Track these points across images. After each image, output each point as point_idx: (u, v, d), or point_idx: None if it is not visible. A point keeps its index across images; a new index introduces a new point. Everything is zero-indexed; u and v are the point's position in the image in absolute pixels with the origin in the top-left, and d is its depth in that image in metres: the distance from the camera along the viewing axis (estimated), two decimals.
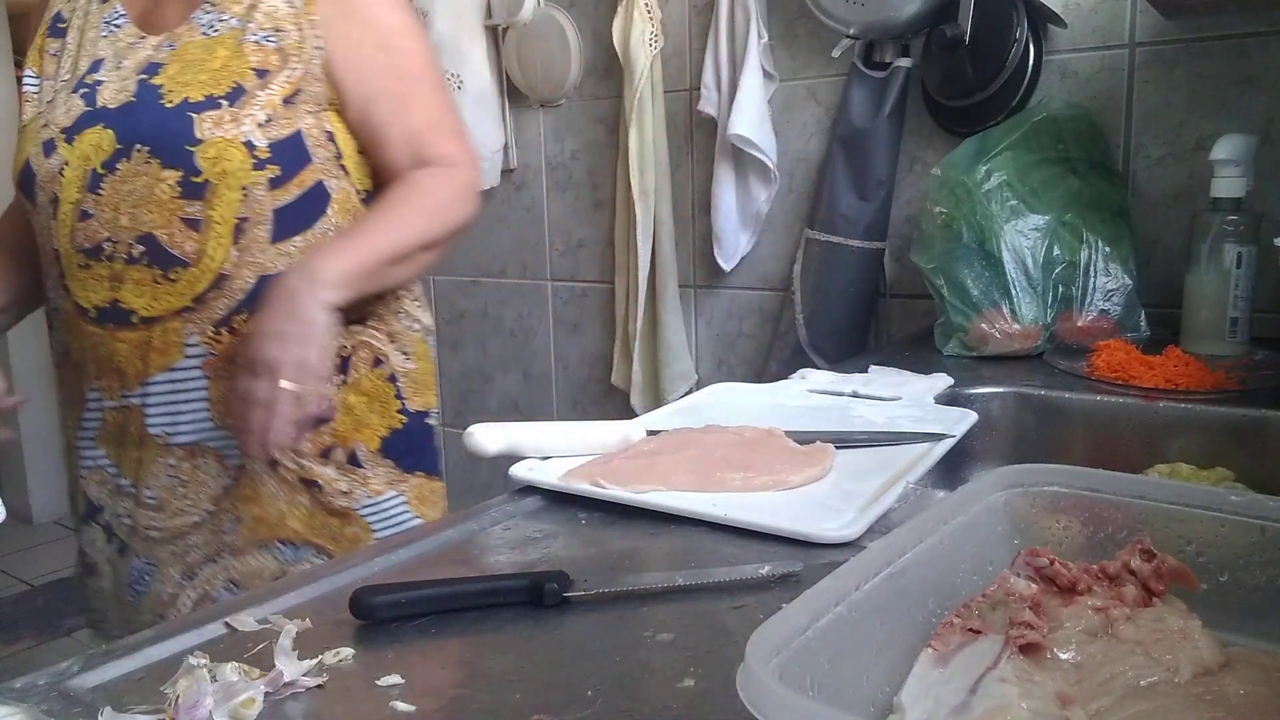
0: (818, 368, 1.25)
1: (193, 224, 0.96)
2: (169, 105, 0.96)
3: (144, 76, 0.98)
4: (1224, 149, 1.20)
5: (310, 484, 1.03)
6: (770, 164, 1.71)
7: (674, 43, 1.86)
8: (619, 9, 1.83)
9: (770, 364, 1.76)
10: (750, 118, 1.67)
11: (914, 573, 0.50)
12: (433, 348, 1.17)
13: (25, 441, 4.01)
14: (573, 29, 1.97)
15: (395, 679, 0.53)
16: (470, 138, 1.14)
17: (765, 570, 0.63)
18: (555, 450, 0.87)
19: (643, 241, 1.86)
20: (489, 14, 2.04)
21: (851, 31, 1.56)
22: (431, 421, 1.14)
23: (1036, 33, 1.46)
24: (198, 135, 0.95)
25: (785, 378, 1.16)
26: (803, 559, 0.65)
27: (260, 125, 0.97)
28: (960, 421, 0.94)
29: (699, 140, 1.87)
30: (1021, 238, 1.27)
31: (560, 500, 0.80)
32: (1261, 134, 1.29)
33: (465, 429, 0.88)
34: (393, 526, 1.08)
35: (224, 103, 0.96)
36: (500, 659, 0.56)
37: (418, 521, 1.09)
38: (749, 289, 1.87)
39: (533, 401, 2.24)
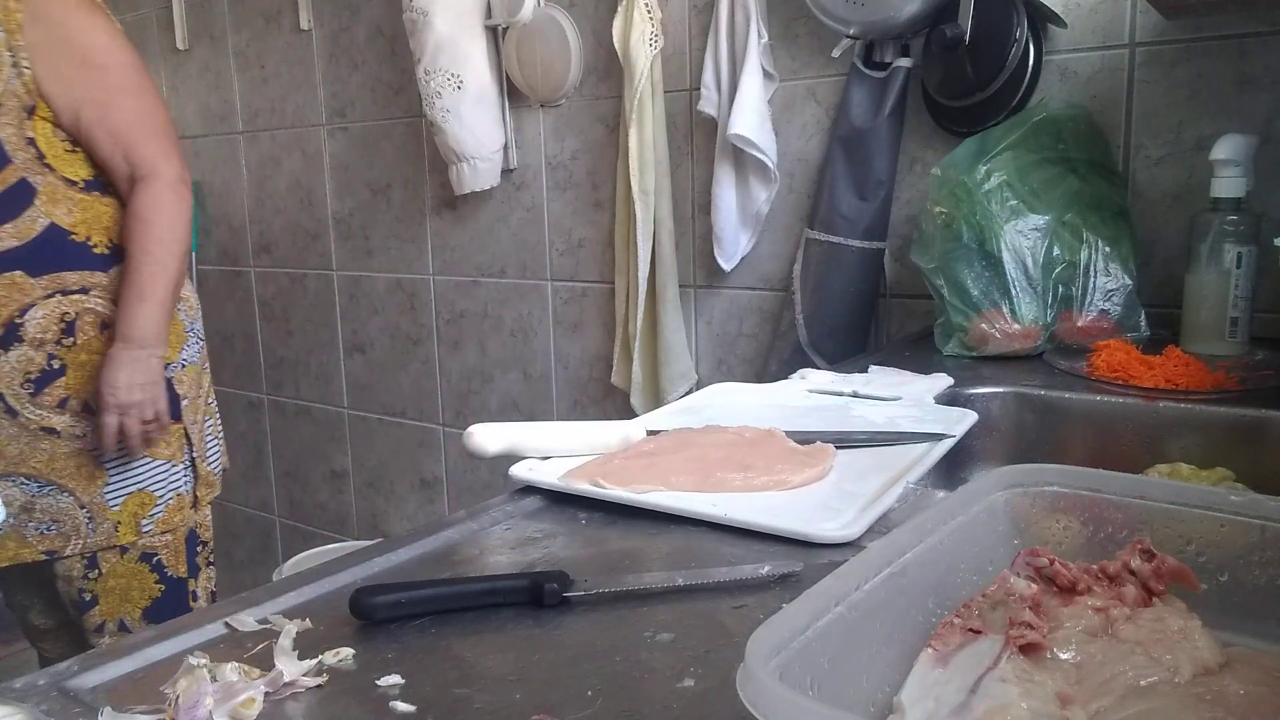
0: (818, 368, 1.25)
1: None
2: None
3: None
4: (1224, 149, 1.20)
5: (50, 431, 1.27)
6: (770, 164, 1.71)
7: (674, 43, 1.86)
8: (619, 9, 1.83)
9: (770, 364, 1.76)
10: (750, 118, 1.67)
11: (914, 573, 0.50)
12: (183, 311, 1.38)
13: None
14: (573, 29, 1.97)
15: (395, 679, 0.53)
16: (173, 135, 1.39)
17: (765, 570, 0.63)
18: (555, 450, 0.87)
19: (643, 241, 1.86)
20: (489, 14, 2.04)
21: (851, 31, 1.56)
22: (170, 373, 1.37)
23: (1036, 33, 1.46)
24: None
25: (785, 378, 1.16)
26: (803, 559, 0.65)
27: None
28: (960, 421, 0.94)
29: (699, 140, 1.87)
30: (1021, 238, 1.27)
31: (560, 500, 0.80)
32: (1261, 134, 1.29)
33: (465, 429, 0.88)
34: (125, 464, 1.29)
35: None
36: (500, 659, 0.56)
37: (149, 461, 1.34)
38: (749, 289, 1.87)
39: (533, 401, 2.24)
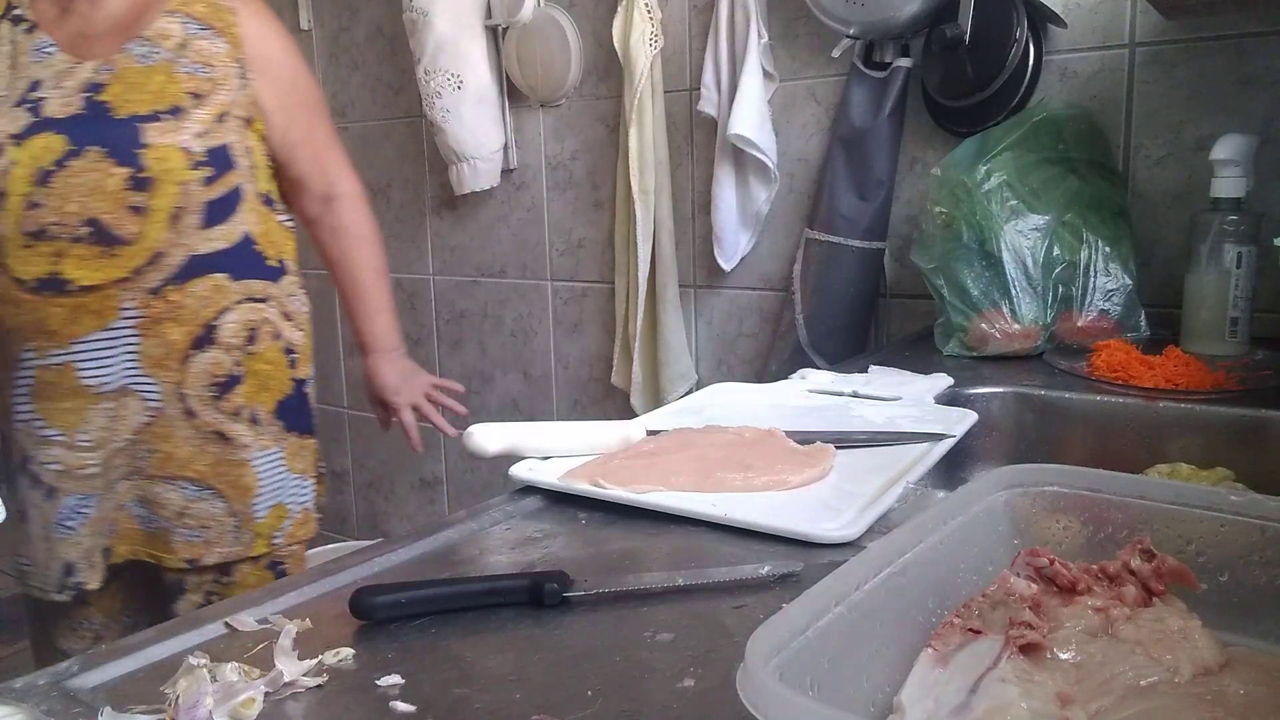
0: (818, 368, 1.25)
1: (137, 211, 1.19)
2: (118, 116, 1.19)
3: (89, 94, 1.20)
4: (1224, 149, 1.20)
5: (221, 436, 1.27)
6: (770, 164, 1.71)
7: (674, 43, 1.86)
8: (619, 9, 1.83)
9: (770, 364, 1.76)
10: (750, 118, 1.67)
11: (914, 573, 0.50)
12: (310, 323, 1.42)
13: None
14: (573, 29, 1.97)
15: (395, 679, 0.53)
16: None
17: (765, 570, 0.63)
18: (555, 450, 0.87)
19: (643, 241, 1.86)
20: (489, 14, 2.04)
21: (851, 31, 1.56)
22: (308, 389, 1.40)
23: (1036, 33, 1.46)
24: (144, 140, 1.19)
25: (785, 378, 1.16)
26: (803, 559, 0.65)
27: (197, 135, 1.22)
28: (960, 421, 0.94)
29: (699, 140, 1.87)
30: (1021, 238, 1.27)
31: (560, 500, 0.80)
32: (1261, 134, 1.29)
33: (465, 429, 0.88)
34: (273, 476, 1.32)
35: (167, 117, 1.20)
36: (500, 659, 0.56)
37: (289, 475, 1.35)
38: (749, 289, 1.87)
39: (533, 401, 2.24)
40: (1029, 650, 0.46)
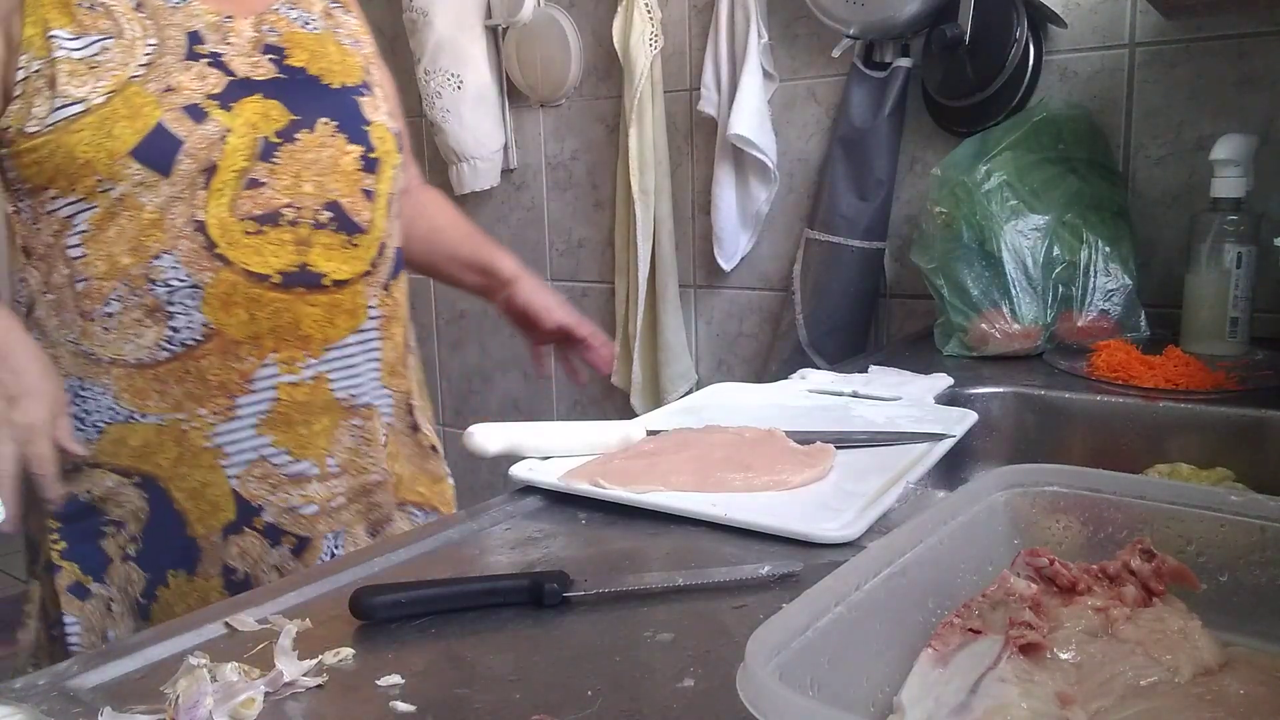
0: (818, 368, 1.25)
1: (369, 195, 1.03)
2: (333, 87, 1.02)
3: (272, 56, 1.00)
4: (1224, 149, 1.20)
5: (434, 450, 1.15)
6: (770, 164, 1.71)
7: (674, 43, 1.86)
8: (619, 9, 1.83)
9: (770, 364, 1.76)
10: (750, 118, 1.67)
11: (914, 573, 0.50)
12: None
13: None
14: (573, 29, 1.97)
15: (395, 679, 0.53)
16: None
17: (765, 570, 0.63)
18: (555, 450, 0.87)
19: (643, 241, 1.86)
20: (489, 14, 2.04)
21: (851, 31, 1.56)
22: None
23: (1036, 33, 1.46)
24: (367, 117, 1.04)
25: (785, 378, 1.16)
26: (803, 559, 0.65)
27: (389, 115, 1.08)
28: (960, 421, 0.94)
29: (699, 140, 1.87)
30: (1021, 238, 1.27)
31: (560, 500, 0.80)
32: (1261, 134, 1.29)
33: (465, 429, 0.88)
34: (454, 487, 1.20)
35: (366, 92, 1.05)
36: (500, 659, 0.56)
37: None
38: (749, 289, 1.87)
39: (533, 401, 2.24)
40: (1029, 650, 0.46)
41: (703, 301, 1.93)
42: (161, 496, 1.00)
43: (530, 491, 0.82)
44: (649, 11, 1.82)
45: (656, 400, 1.90)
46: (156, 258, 0.95)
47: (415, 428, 1.11)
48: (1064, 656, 0.48)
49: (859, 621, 0.45)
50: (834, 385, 1.10)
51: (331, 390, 1.02)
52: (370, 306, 1.03)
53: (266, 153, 0.97)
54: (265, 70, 0.99)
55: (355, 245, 1.02)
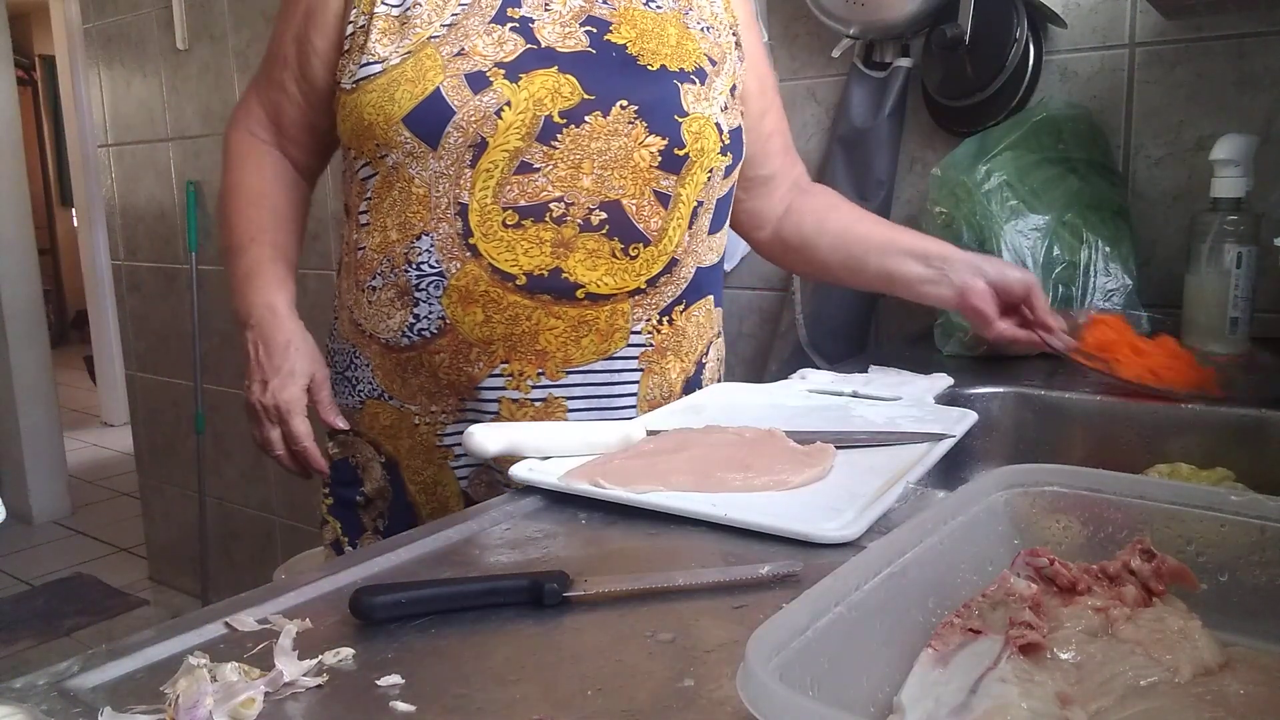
0: (818, 368, 1.25)
1: (663, 199, 0.88)
2: (651, 69, 0.89)
3: (591, 29, 0.89)
4: (1224, 149, 1.20)
5: None
6: None
7: None
8: None
9: (770, 364, 1.76)
10: None
11: (914, 573, 0.50)
12: None
13: (25, 441, 4.01)
14: None
15: (395, 679, 0.53)
16: None
17: (765, 570, 0.63)
18: (555, 450, 0.86)
19: None
20: None
21: (851, 31, 1.56)
22: None
23: (1036, 33, 1.46)
24: (685, 107, 0.89)
25: (785, 378, 1.15)
26: (803, 559, 0.65)
27: (722, 110, 0.93)
28: (960, 421, 0.94)
29: None
30: (1021, 238, 1.26)
31: (560, 500, 0.80)
32: (1261, 134, 1.29)
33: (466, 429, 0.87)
34: None
35: (695, 80, 0.91)
36: (500, 659, 0.56)
37: None
38: (749, 289, 1.87)
39: None
40: (1029, 650, 0.46)
41: None
42: (400, 482, 0.97)
43: (530, 491, 0.82)
44: None
45: None
46: (418, 238, 0.89)
47: None
48: (1064, 656, 0.48)
49: (859, 621, 0.45)
50: (834, 385, 1.10)
51: (568, 419, 0.91)
52: (634, 331, 0.90)
53: (546, 134, 0.85)
54: (575, 42, 0.87)
55: (632, 257, 0.88)
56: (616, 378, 0.91)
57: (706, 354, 0.98)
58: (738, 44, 0.99)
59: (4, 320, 3.90)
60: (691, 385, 0.97)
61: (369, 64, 0.88)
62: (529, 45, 0.87)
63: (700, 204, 0.91)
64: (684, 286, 0.92)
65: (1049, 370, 1.20)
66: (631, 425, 0.91)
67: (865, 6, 1.50)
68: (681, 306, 0.92)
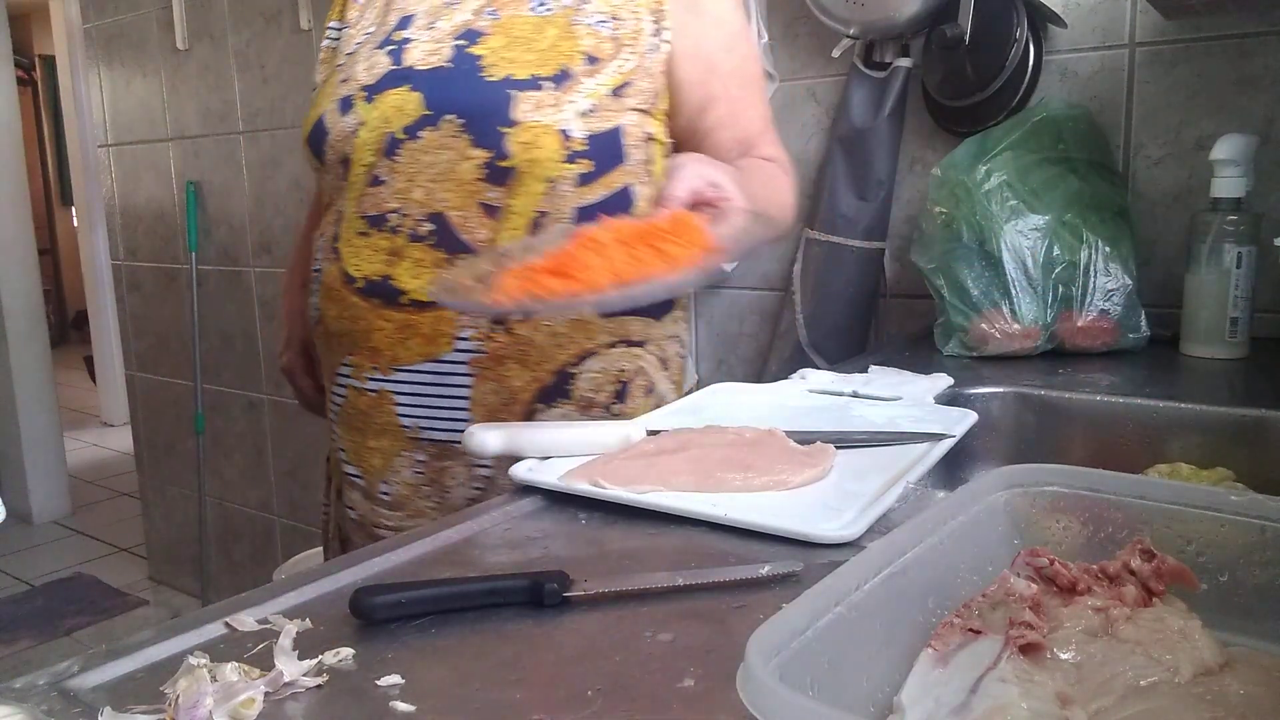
0: (818, 368, 1.25)
1: (490, 210, 0.90)
2: (490, 79, 0.89)
3: (461, 42, 0.92)
4: (1224, 149, 1.20)
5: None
6: None
7: None
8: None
9: (770, 364, 1.76)
10: None
11: (914, 573, 0.50)
12: (689, 372, 1.09)
13: (25, 441, 4.01)
14: None
15: (395, 679, 0.53)
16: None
17: (765, 570, 0.63)
18: (555, 450, 0.86)
19: None
20: None
21: (851, 31, 1.56)
22: None
23: (1036, 33, 1.46)
24: (513, 116, 0.88)
25: (785, 378, 1.15)
26: (803, 559, 0.65)
27: (581, 114, 0.90)
28: (960, 421, 0.94)
29: None
30: (1021, 238, 1.27)
31: (560, 500, 0.80)
32: (1261, 134, 1.29)
33: (467, 429, 0.87)
34: None
35: (548, 85, 0.89)
36: (500, 659, 0.56)
37: None
38: (749, 289, 1.87)
39: None
40: (1029, 650, 0.46)
41: (703, 302, 1.93)
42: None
43: (530, 491, 0.82)
44: None
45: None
46: (320, 238, 1.02)
47: None
48: (1064, 656, 0.48)
49: (859, 621, 0.45)
50: (834, 385, 1.10)
51: (396, 414, 0.95)
52: (461, 339, 0.92)
53: (391, 149, 0.91)
54: (438, 58, 0.91)
55: (455, 267, 0.89)
56: (446, 380, 0.93)
57: (580, 364, 0.95)
58: (656, 32, 0.95)
59: (4, 320, 3.90)
60: (550, 395, 0.96)
61: (312, 91, 1.04)
62: (393, 66, 0.93)
63: (545, 214, 0.91)
64: None
65: (1049, 370, 1.20)
66: (631, 425, 0.91)
67: (865, 6, 1.50)
68: (521, 316, 0.92)
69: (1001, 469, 0.59)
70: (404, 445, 0.96)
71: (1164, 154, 1.42)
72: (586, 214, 0.91)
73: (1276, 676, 0.47)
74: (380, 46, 0.95)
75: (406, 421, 0.96)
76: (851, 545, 0.68)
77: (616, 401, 0.99)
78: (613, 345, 0.98)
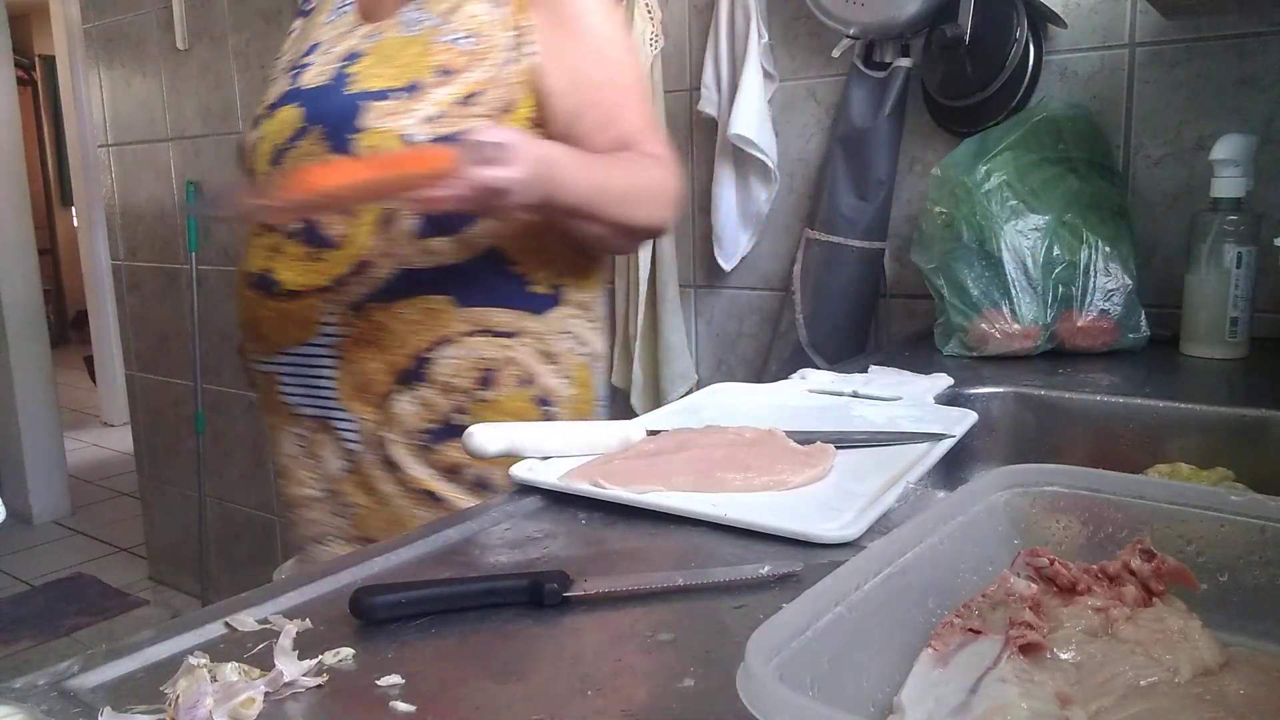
0: (818, 368, 1.25)
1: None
2: (348, 92, 1.00)
3: (343, 64, 1.03)
4: (1224, 149, 1.20)
5: (432, 497, 1.03)
6: (770, 164, 1.71)
7: (674, 43, 1.86)
8: (619, 9, 1.83)
9: (770, 364, 1.76)
10: (750, 118, 1.67)
11: (914, 573, 0.50)
12: (599, 374, 1.14)
13: (25, 441, 4.01)
14: None
15: (395, 679, 0.53)
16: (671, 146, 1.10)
17: (765, 570, 0.63)
18: (555, 450, 0.87)
19: None
20: None
21: (851, 31, 1.56)
22: None
23: (1036, 33, 1.46)
24: (363, 124, 0.98)
25: (785, 378, 1.16)
26: (803, 559, 0.65)
27: (427, 120, 0.97)
28: (960, 421, 0.94)
29: (699, 140, 1.87)
30: (1021, 238, 1.27)
31: (560, 500, 0.80)
32: (1261, 134, 1.29)
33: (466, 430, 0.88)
34: None
35: (399, 95, 0.98)
36: (500, 659, 0.56)
37: None
38: (749, 289, 1.87)
39: None
40: (1029, 650, 0.46)
41: (703, 301, 1.93)
42: None
43: (530, 491, 0.82)
44: (649, 11, 1.81)
45: (656, 400, 1.90)
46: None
47: (392, 464, 1.03)
48: (1064, 656, 0.48)
49: (859, 621, 0.45)
50: (834, 385, 1.10)
51: (281, 393, 1.08)
52: (325, 324, 1.01)
53: (277, 159, 1.03)
54: (323, 78, 1.03)
55: (319, 259, 1.00)
56: (315, 362, 1.04)
57: (434, 350, 1.01)
58: (515, 46, 1.00)
59: (4, 320, 3.90)
60: (408, 378, 1.02)
61: None
62: (289, 87, 1.06)
63: (393, 210, 1.00)
64: (379, 286, 1.00)
65: (1049, 370, 1.20)
66: (631, 425, 0.91)
67: (865, 6, 1.50)
68: (379, 304, 1.00)
69: (1001, 469, 0.59)
70: (287, 421, 1.09)
71: (1164, 154, 1.42)
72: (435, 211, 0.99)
73: (1276, 676, 0.47)
74: (288, 71, 1.08)
75: (288, 399, 1.08)
76: (851, 545, 0.68)
77: (482, 388, 1.03)
78: (470, 334, 1.03)
